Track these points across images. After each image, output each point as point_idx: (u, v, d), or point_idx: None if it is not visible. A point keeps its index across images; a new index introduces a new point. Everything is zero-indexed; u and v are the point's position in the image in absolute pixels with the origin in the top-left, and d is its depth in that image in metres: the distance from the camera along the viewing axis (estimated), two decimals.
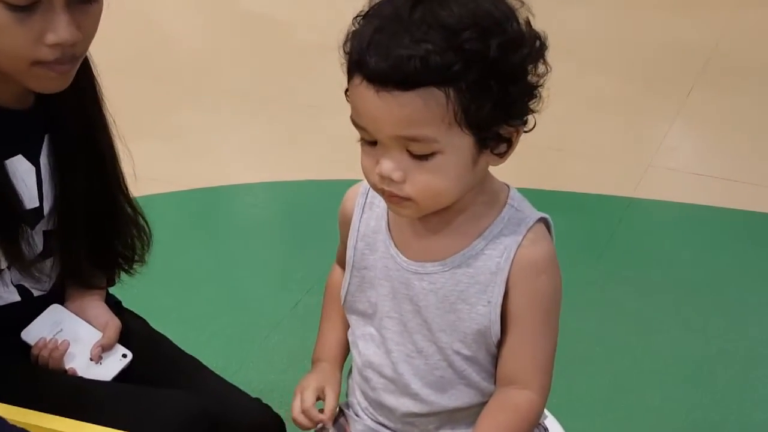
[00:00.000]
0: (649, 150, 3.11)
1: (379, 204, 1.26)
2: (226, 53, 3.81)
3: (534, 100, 1.14)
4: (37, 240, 1.44)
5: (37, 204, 1.41)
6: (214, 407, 1.31)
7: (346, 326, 1.34)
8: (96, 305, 1.51)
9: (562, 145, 3.00)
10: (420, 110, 1.07)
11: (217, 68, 3.67)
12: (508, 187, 1.23)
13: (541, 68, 1.12)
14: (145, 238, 1.56)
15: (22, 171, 1.38)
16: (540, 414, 1.23)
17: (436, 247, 1.22)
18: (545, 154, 2.84)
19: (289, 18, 4.02)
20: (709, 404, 2.14)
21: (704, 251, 2.66)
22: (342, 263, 1.33)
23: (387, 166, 1.11)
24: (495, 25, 1.09)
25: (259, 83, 3.54)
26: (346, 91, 1.15)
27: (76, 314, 1.50)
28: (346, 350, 1.36)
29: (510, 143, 1.14)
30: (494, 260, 1.19)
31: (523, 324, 1.19)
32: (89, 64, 1.44)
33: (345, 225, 1.30)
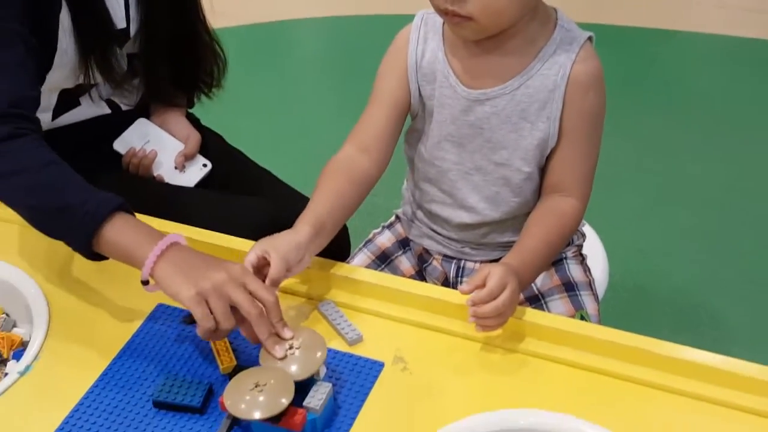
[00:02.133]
0: None
1: (433, 38, 1.25)
2: None
3: None
4: (122, 61, 1.48)
5: (124, 25, 1.44)
6: (286, 212, 1.31)
7: (339, 200, 1.23)
8: (178, 120, 1.57)
9: None
10: None
11: None
12: (555, 9, 1.21)
13: None
14: (221, 64, 1.60)
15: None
16: (581, 219, 1.25)
17: (495, 71, 1.21)
18: None
19: None
20: (731, 225, 2.17)
21: (739, 82, 2.63)
22: (368, 132, 1.27)
23: None
24: None
25: None
26: None
27: (160, 127, 1.55)
28: (333, 223, 1.21)
29: None
30: (551, 78, 1.19)
31: (573, 136, 1.20)
32: None
33: (392, 64, 1.28)
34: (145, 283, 1.11)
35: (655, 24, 2.84)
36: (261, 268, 1.12)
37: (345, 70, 2.72)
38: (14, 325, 1.26)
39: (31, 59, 1.26)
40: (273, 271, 1.10)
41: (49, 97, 1.43)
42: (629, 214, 2.12)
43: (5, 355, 1.19)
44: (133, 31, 1.47)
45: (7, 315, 1.26)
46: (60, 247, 1.24)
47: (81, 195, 1.14)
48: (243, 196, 1.54)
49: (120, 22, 1.44)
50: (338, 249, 1.49)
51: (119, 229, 1.12)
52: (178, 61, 1.57)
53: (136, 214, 1.17)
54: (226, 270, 1.06)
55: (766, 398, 1.04)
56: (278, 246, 1.12)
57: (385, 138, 1.26)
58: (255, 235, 1.19)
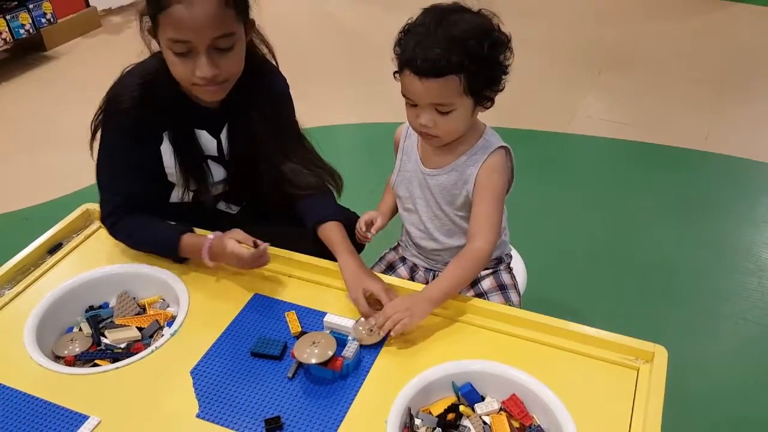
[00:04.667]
0: (575, 105, 3.09)
1: (412, 138, 1.28)
2: (331, 48, 3.77)
3: (507, 75, 1.14)
4: (218, 171, 1.33)
5: (215, 154, 1.31)
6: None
7: (394, 198, 1.35)
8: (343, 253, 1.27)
9: (518, 101, 3.00)
10: (445, 89, 1.09)
11: (324, 57, 3.63)
12: (485, 126, 1.24)
13: (509, 55, 1.13)
14: (336, 180, 1.38)
15: (206, 140, 1.29)
16: (488, 255, 1.19)
17: (439, 161, 1.23)
18: (505, 106, 2.82)
19: (364, 28, 3.97)
20: (603, 251, 2.17)
21: (608, 165, 2.66)
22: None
23: (424, 119, 1.13)
24: (486, 34, 1.09)
25: (348, 67, 3.51)
26: (395, 73, 1.14)
27: None
28: (394, 208, 1.36)
29: (492, 100, 1.16)
30: (470, 168, 1.20)
31: (481, 202, 1.19)
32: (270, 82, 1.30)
33: (396, 145, 1.32)
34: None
35: (553, 129, 2.88)
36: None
37: (373, 162, 2.67)
38: (168, 306, 1.26)
39: (133, 175, 1.25)
40: (376, 225, 1.31)
41: (184, 192, 1.33)
42: (540, 243, 2.11)
43: (162, 324, 1.20)
44: (228, 155, 1.32)
45: (163, 300, 1.26)
46: (197, 258, 1.27)
47: (165, 234, 1.26)
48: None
49: (211, 151, 1.30)
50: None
51: (185, 243, 1.23)
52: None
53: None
54: (230, 234, 1.20)
55: (617, 353, 1.06)
56: (381, 216, 1.33)
57: None
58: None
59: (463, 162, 1.21)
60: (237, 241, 1.18)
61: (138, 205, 1.27)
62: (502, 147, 1.21)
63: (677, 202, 2.39)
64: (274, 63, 1.33)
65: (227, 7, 1.11)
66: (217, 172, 1.33)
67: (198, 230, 1.29)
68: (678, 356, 1.11)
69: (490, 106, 1.17)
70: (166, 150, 1.27)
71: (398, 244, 1.46)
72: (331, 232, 1.26)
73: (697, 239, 2.20)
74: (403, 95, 1.14)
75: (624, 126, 2.87)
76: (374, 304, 1.14)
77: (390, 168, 1.33)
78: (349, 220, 1.42)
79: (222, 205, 1.45)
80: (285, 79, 1.36)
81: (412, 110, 1.15)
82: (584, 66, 3.39)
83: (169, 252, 1.26)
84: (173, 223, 1.29)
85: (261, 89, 1.28)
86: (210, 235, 1.22)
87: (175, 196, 1.34)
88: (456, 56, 1.06)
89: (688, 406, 1.61)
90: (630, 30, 3.76)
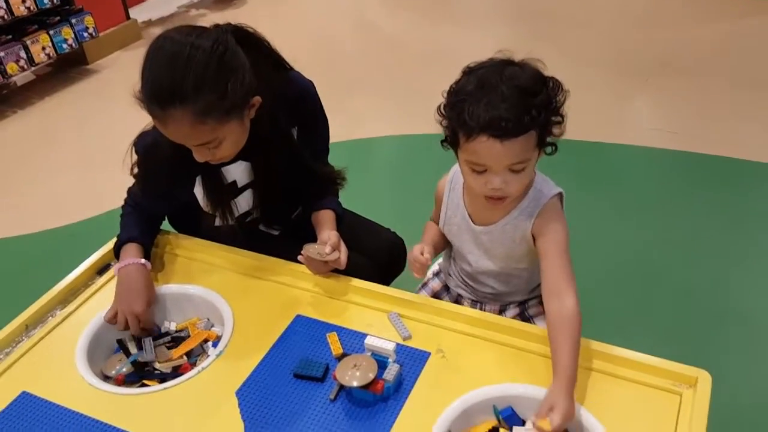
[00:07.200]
0: (623, 114, 3.08)
1: (456, 191, 1.27)
2: (371, 59, 3.83)
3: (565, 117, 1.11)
4: (244, 203, 1.42)
5: (248, 180, 1.39)
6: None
7: (436, 233, 1.33)
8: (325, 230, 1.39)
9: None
10: (525, 146, 1.06)
11: (366, 69, 3.68)
12: (535, 173, 1.19)
13: (564, 97, 1.10)
14: (339, 181, 1.47)
15: (239, 170, 1.36)
16: (578, 310, 1.10)
17: (491, 217, 1.22)
18: None
19: (405, 38, 4.03)
20: (647, 275, 2.15)
21: (659, 176, 2.63)
22: (435, 219, 1.35)
23: (497, 182, 1.09)
24: (545, 81, 1.08)
25: (388, 78, 3.55)
26: (443, 141, 1.13)
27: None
28: (438, 242, 1.33)
29: (556, 146, 1.12)
30: (524, 222, 1.19)
31: (551, 256, 1.15)
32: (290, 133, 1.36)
33: (438, 198, 1.31)
34: None
35: (605, 139, 2.87)
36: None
37: (408, 172, 2.71)
38: (212, 326, 1.31)
39: (158, 201, 1.41)
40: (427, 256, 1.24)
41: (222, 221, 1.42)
42: (581, 261, 2.12)
43: (206, 342, 1.26)
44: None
45: (208, 320, 1.32)
46: (241, 280, 1.33)
47: (122, 233, 1.40)
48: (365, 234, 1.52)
49: (242, 181, 1.38)
50: (398, 258, 1.55)
51: (124, 250, 1.37)
52: (295, 190, 1.44)
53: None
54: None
55: (660, 378, 1.07)
56: (430, 248, 1.27)
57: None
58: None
59: (515, 217, 1.19)
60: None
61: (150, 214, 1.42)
62: (555, 195, 1.18)
63: (732, 217, 2.36)
64: (288, 67, 1.35)
65: (203, 124, 1.13)
66: (247, 202, 1.41)
67: (134, 246, 1.37)
68: (724, 378, 1.11)
69: (555, 152, 1.13)
70: (199, 191, 1.37)
71: (439, 269, 1.46)
72: (323, 214, 1.40)
73: (757, 257, 2.18)
74: (470, 163, 1.10)
75: (676, 135, 2.85)
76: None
77: (428, 181, 1.35)
78: (390, 241, 1.48)
79: (263, 227, 1.52)
80: (306, 84, 1.38)
81: (480, 176, 1.10)
82: (632, 73, 3.37)
83: (115, 249, 1.39)
84: (140, 229, 1.40)
85: (288, 105, 1.32)
86: (139, 260, 1.33)
87: (218, 221, 1.42)
88: (534, 109, 1.04)
89: (733, 429, 1.60)
90: (680, 35, 3.72)
